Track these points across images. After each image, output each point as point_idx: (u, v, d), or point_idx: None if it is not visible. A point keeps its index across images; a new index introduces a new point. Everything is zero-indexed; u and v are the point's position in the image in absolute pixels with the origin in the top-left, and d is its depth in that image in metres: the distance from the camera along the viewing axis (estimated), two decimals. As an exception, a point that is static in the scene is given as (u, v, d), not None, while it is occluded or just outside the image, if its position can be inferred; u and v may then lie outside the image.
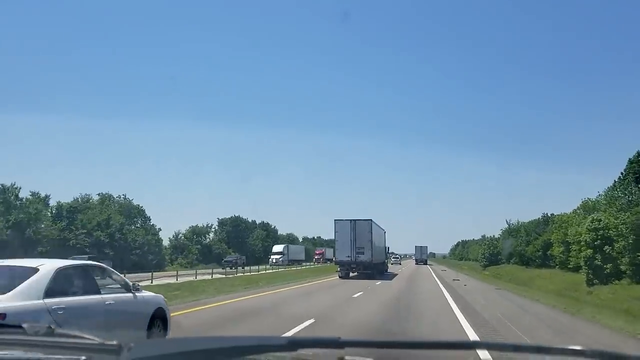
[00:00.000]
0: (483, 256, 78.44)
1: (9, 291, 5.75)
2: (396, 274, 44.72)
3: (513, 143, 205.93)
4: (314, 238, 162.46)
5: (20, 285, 5.86)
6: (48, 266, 6.41)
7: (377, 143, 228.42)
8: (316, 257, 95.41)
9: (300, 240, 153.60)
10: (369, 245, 35.88)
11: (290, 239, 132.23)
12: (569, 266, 48.46)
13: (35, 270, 6.19)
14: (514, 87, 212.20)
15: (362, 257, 35.40)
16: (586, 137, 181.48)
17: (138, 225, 62.22)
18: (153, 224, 63.58)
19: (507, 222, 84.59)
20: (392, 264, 62.75)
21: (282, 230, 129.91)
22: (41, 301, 5.87)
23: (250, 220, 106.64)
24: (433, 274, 44.36)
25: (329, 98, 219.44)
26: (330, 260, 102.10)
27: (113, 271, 8.24)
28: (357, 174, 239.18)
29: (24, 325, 1.88)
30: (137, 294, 7.88)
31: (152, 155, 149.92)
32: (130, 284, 8.04)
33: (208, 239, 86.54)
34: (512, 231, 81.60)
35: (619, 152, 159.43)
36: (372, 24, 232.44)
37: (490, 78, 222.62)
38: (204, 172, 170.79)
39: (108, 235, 49.07)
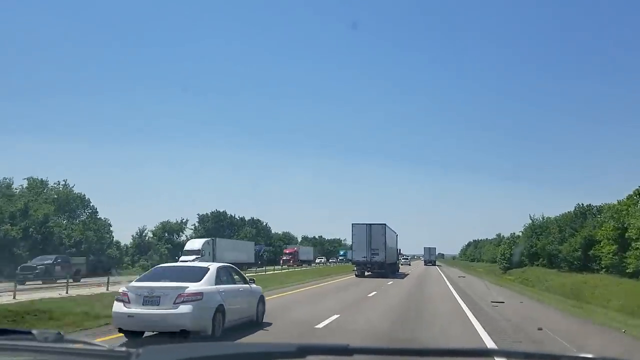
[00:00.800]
0: (503, 257, 66.45)
1: (199, 280, 9.81)
2: (407, 274, 45.37)
3: (522, 142, 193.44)
4: (314, 238, 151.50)
5: (204, 277, 9.98)
6: (214, 265, 10.88)
7: (384, 146, 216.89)
8: (285, 257, 71.66)
9: (299, 240, 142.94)
10: (382, 247, 37.95)
11: (286, 239, 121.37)
12: (627, 270, 36.78)
13: (208, 268, 10.53)
14: (523, 88, 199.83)
15: (377, 257, 37.61)
16: (593, 138, 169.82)
17: (84, 219, 51.12)
18: (101, 218, 52.39)
19: (530, 217, 72.88)
20: (402, 264, 62.27)
21: (278, 229, 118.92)
22: (214, 286, 10.03)
23: (237, 217, 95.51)
24: (450, 286, 26.03)
25: (336, 100, 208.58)
26: (309, 262, 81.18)
27: (238, 270, 12.64)
28: (364, 175, 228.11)
29: (34, 331, 1.87)
30: (251, 285, 12.00)
31: (147, 156, 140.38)
32: (248, 279, 12.41)
33: (184, 237, 75.32)
34: (536, 228, 69.79)
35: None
36: (384, 30, 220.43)
37: (496, 79, 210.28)
38: (202, 170, 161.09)
39: (22, 230, 37.87)
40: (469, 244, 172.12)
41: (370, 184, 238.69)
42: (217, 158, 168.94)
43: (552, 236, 53.36)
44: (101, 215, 55.17)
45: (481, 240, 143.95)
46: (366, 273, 37.73)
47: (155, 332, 9.58)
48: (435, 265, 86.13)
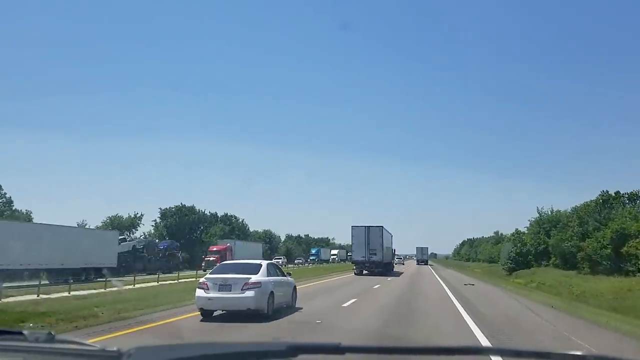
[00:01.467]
0: (508, 257, 57.12)
1: (256, 273, 12.94)
2: (402, 272, 47.25)
3: (514, 143, 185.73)
4: (299, 236, 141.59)
5: (260, 270, 13.18)
6: (264, 262, 14.48)
7: (377, 146, 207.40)
8: (210, 258, 51.48)
9: (283, 238, 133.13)
10: (380, 247, 40.68)
11: (266, 237, 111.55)
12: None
13: (261, 264, 13.90)
14: (515, 85, 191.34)
15: (375, 257, 40.32)
16: (590, 136, 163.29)
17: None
18: (19, 210, 42.34)
19: (538, 210, 63.62)
20: (396, 263, 63.43)
21: (257, 227, 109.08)
22: (267, 277, 13.13)
23: (208, 213, 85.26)
24: (464, 313, 14.28)
25: (329, 100, 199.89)
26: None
27: (279, 266, 16.86)
28: (356, 175, 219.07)
29: (24, 332, 1.85)
30: (288, 278, 15.32)
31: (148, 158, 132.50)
32: (286, 273, 16.11)
33: (142, 234, 65.47)
34: (544, 222, 60.62)
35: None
36: (378, 30, 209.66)
37: (487, 78, 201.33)
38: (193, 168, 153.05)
39: None
40: (462, 243, 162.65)
41: (362, 183, 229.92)
42: (206, 155, 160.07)
43: (570, 230, 44.07)
44: (23, 207, 45.55)
45: (477, 238, 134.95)
46: (364, 272, 40.31)
47: (224, 311, 12.86)
48: (427, 264, 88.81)
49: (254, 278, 12.60)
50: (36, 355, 1.78)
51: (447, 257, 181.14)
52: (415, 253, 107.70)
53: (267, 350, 1.62)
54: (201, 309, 12.57)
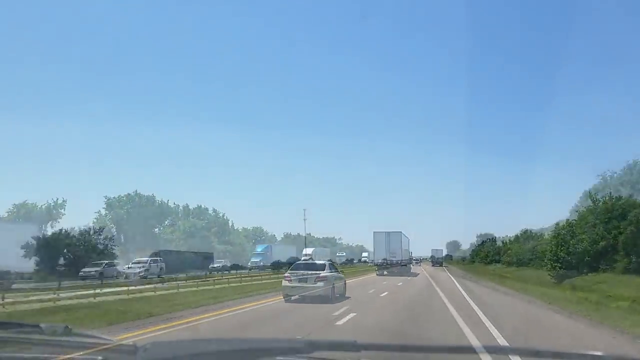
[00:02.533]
0: (555, 259, 41.51)
1: (323, 270, 19.05)
2: (418, 273, 49.95)
3: (525, 143, 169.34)
4: (298, 235, 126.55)
5: (325, 268, 19.39)
6: (326, 261, 21.36)
7: (392, 146, 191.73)
8: None
9: (279, 238, 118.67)
10: (399, 251, 46.69)
11: (255, 236, 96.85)
12: None
13: (325, 263, 20.38)
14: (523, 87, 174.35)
15: (394, 259, 46.14)
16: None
17: None
18: None
19: (591, 196, 47.96)
20: (413, 265, 64.95)
21: (248, 224, 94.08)
22: (330, 273, 19.22)
23: (172, 204, 70.54)
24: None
25: (340, 97, 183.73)
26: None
27: (333, 263, 23.70)
28: (374, 179, 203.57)
29: (42, 325, 1.87)
30: (341, 274, 21.36)
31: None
32: (338, 269, 22.51)
33: (75, 227, 50.95)
34: (601, 212, 45.10)
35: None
36: (398, 23, 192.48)
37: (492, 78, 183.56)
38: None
39: None
40: (482, 243, 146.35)
41: (379, 187, 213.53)
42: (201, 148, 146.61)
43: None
44: None
45: (498, 238, 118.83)
46: (385, 272, 44.99)
47: (300, 296, 17.79)
48: (442, 265, 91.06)
49: (322, 273, 18.42)
50: (53, 348, 1.78)
51: (463, 259, 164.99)
52: (430, 255, 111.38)
53: (283, 347, 1.64)
54: (285, 295, 18.25)
